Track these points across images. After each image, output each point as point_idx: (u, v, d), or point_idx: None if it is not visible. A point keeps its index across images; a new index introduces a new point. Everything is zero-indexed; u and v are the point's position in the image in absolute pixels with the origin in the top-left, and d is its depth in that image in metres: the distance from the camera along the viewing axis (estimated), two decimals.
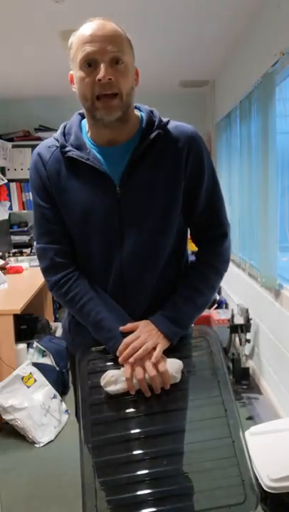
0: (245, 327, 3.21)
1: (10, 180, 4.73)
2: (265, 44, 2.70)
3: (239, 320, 3.32)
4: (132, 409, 1.09)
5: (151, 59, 3.72)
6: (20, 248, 4.62)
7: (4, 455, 2.48)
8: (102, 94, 1.09)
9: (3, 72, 4.00)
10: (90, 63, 1.09)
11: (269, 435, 1.91)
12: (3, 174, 4.61)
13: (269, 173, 2.64)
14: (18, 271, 3.80)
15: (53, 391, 2.80)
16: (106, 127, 1.15)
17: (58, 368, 3.02)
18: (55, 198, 1.20)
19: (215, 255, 1.27)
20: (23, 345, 2.91)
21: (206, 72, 4.31)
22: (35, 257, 1.39)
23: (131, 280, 1.22)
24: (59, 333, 3.80)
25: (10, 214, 4.75)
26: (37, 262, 1.32)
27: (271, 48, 2.51)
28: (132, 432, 1.05)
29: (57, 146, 1.20)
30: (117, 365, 1.13)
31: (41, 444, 2.55)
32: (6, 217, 4.58)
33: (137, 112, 1.22)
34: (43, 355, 3.13)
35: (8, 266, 3.90)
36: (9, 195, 4.82)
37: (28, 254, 4.46)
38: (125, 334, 1.16)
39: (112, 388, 1.10)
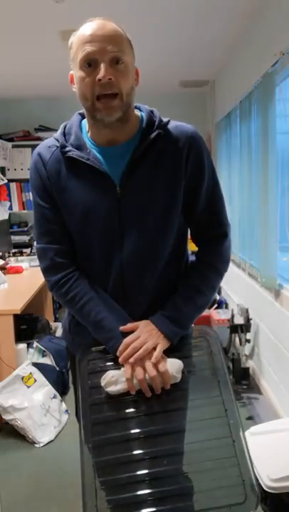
0: (245, 327, 3.21)
1: (10, 180, 4.73)
2: (265, 44, 2.70)
3: (239, 320, 3.32)
4: (132, 409, 1.08)
5: (151, 59, 3.72)
6: (20, 248, 4.62)
7: (4, 455, 2.48)
8: (102, 94, 1.09)
9: (3, 72, 4.00)
10: (90, 63, 1.09)
11: (269, 435, 1.91)
12: (3, 174, 4.61)
13: (269, 173, 2.64)
14: (18, 271, 3.80)
15: (53, 391, 2.80)
16: (106, 127, 1.15)
17: (58, 368, 3.02)
18: (56, 197, 1.20)
19: (215, 255, 1.27)
20: (23, 345, 2.91)
21: (206, 72, 4.31)
22: (35, 257, 1.39)
23: (131, 280, 1.22)
24: (59, 333, 3.80)
25: (10, 214, 4.76)
26: (37, 262, 1.32)
27: (271, 48, 2.51)
28: (132, 431, 1.05)
29: (57, 146, 1.20)
30: (117, 365, 1.13)
31: (41, 444, 2.55)
32: (6, 217, 4.59)
33: (137, 112, 1.22)
34: (43, 355, 3.13)
35: (8, 266, 3.90)
36: (9, 195, 4.83)
37: (28, 254, 4.46)
38: (125, 334, 1.16)
39: (112, 389, 1.10)
